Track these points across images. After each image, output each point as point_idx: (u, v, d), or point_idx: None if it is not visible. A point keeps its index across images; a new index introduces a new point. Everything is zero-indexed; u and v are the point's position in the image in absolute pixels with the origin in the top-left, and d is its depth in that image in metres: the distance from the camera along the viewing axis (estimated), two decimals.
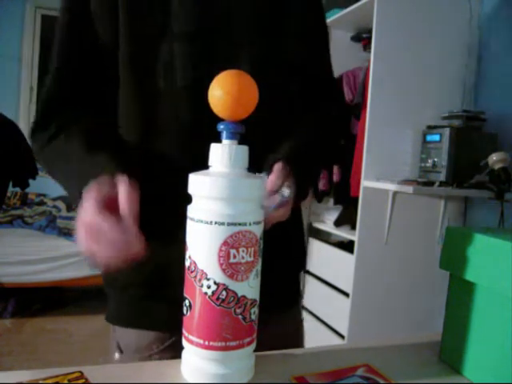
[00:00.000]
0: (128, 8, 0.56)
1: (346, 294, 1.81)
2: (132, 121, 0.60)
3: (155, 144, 0.60)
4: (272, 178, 0.49)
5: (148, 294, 0.61)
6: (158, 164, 0.59)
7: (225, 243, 0.41)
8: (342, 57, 2.15)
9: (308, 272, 2.19)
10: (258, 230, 0.43)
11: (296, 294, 0.74)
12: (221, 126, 0.44)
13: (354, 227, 1.82)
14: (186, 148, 0.59)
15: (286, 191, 0.50)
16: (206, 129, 0.46)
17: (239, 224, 0.41)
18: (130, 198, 0.45)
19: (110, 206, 0.45)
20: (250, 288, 0.43)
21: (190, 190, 0.43)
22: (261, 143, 0.51)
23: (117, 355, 0.63)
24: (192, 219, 0.43)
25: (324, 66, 0.72)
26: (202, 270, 0.41)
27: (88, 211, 0.44)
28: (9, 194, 2.96)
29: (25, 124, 3.26)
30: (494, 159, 1.48)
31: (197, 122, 0.57)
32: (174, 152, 0.59)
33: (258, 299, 0.44)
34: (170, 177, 0.53)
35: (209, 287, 0.41)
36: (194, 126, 0.58)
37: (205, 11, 0.58)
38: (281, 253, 0.60)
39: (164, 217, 0.53)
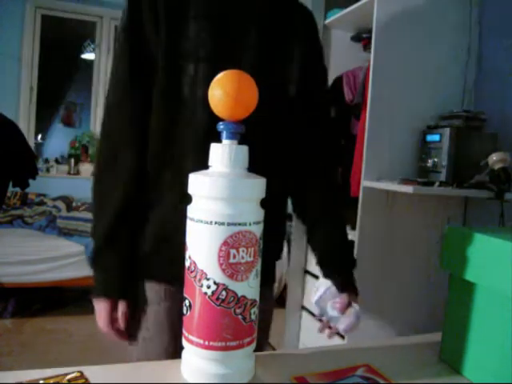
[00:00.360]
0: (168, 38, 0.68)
1: None
2: (159, 130, 0.71)
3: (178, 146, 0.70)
4: (344, 301, 0.68)
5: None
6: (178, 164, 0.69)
7: (225, 243, 0.41)
8: (342, 57, 2.15)
9: (308, 272, 2.19)
10: (257, 230, 0.43)
11: (273, 277, 0.88)
12: (221, 126, 0.44)
13: (354, 227, 1.82)
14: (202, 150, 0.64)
15: (357, 307, 0.59)
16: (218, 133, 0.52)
17: (239, 224, 0.41)
18: (124, 316, 0.72)
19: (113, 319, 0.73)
20: (249, 288, 0.43)
21: (190, 189, 0.43)
22: (261, 143, 0.56)
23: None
24: (192, 219, 0.43)
25: (323, 102, 0.86)
26: (202, 270, 0.41)
27: (100, 323, 0.73)
28: (9, 194, 2.96)
29: (25, 124, 3.26)
30: (494, 159, 1.48)
31: (211, 127, 0.60)
32: (191, 153, 0.68)
33: (258, 299, 0.44)
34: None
35: (209, 287, 0.41)
36: (208, 130, 0.63)
37: (222, 40, 0.70)
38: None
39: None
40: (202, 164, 0.47)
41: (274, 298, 0.99)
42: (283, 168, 0.78)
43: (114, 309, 0.72)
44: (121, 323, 0.73)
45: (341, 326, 0.69)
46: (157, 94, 0.70)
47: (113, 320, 0.73)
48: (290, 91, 0.75)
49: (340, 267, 0.79)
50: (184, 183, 0.47)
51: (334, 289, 0.76)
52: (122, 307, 0.72)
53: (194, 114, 0.68)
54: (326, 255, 0.81)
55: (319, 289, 0.80)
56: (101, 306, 0.72)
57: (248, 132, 0.46)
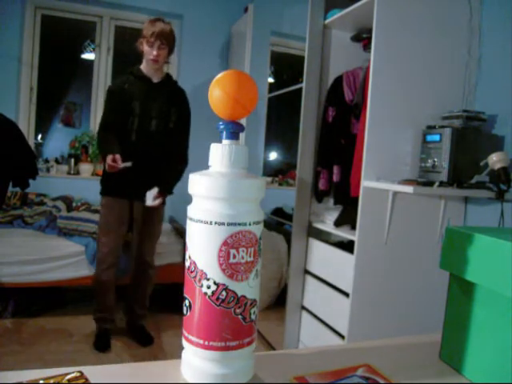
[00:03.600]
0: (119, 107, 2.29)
1: (346, 294, 1.81)
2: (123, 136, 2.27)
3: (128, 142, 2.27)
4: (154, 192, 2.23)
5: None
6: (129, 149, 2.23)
7: (225, 243, 0.41)
8: (342, 57, 2.15)
9: (308, 272, 2.19)
10: (257, 230, 0.43)
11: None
12: (221, 126, 0.44)
13: (354, 227, 1.82)
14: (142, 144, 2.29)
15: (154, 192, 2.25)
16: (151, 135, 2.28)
17: (239, 224, 0.41)
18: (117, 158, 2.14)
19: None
20: (249, 288, 0.43)
21: (190, 189, 0.43)
22: (155, 155, 2.30)
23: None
24: (192, 219, 0.43)
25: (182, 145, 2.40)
26: (202, 270, 0.41)
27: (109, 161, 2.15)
28: (9, 194, 2.96)
29: (25, 124, 3.26)
30: (494, 159, 1.48)
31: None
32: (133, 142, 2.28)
33: (258, 299, 0.44)
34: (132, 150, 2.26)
35: (209, 287, 0.41)
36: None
37: (147, 106, 2.26)
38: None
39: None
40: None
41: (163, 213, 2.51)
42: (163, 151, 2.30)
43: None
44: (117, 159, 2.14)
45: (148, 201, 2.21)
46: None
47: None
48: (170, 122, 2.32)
49: (164, 185, 2.27)
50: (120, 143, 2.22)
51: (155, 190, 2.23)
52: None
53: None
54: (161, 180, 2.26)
55: (152, 190, 2.24)
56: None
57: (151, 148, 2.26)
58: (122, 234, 2.36)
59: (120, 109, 2.24)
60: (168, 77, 2.36)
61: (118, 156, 2.10)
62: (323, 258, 2.07)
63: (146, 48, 2.21)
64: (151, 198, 2.23)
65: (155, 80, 2.29)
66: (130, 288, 2.49)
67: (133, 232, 2.42)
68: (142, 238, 2.41)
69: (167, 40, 2.20)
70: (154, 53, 2.17)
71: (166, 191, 2.29)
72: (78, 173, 3.40)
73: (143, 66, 2.29)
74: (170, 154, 2.30)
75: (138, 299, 2.48)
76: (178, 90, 2.39)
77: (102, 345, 2.32)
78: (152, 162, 2.27)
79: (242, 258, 0.41)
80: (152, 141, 2.26)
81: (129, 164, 2.13)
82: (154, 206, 2.24)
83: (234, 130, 0.44)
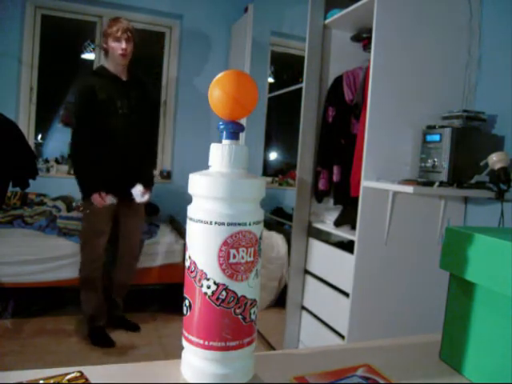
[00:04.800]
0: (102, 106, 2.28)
1: (346, 294, 1.81)
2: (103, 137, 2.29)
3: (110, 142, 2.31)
4: (140, 188, 2.33)
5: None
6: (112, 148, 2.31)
7: (225, 243, 0.41)
8: (342, 57, 2.15)
9: (308, 272, 2.19)
10: (257, 230, 0.43)
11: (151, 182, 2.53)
12: (221, 126, 0.44)
13: (354, 227, 1.82)
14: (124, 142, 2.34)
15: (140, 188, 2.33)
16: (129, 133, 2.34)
17: (239, 224, 0.41)
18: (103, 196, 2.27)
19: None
20: (249, 288, 0.43)
21: (190, 189, 0.43)
22: (137, 152, 2.38)
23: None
24: (192, 219, 0.43)
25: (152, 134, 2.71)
26: (202, 271, 0.41)
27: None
28: (9, 194, 2.96)
29: (25, 124, 3.26)
30: (494, 159, 1.48)
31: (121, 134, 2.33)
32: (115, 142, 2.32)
33: (258, 299, 0.44)
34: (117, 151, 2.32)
35: (209, 287, 0.41)
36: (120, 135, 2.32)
37: (123, 104, 2.30)
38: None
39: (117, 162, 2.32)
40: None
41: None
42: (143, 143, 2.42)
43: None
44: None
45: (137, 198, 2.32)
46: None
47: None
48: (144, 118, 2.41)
49: (148, 180, 2.43)
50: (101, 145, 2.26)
51: (141, 187, 2.32)
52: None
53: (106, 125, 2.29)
54: (143, 175, 2.40)
55: (136, 187, 2.32)
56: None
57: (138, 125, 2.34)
58: (109, 232, 2.40)
59: (97, 109, 2.24)
60: (133, 73, 2.40)
61: (103, 194, 2.22)
62: (323, 257, 2.07)
63: (112, 44, 2.26)
64: (139, 194, 2.31)
65: (124, 78, 2.34)
66: (113, 280, 2.52)
67: (119, 228, 2.45)
68: (131, 233, 2.48)
69: (132, 35, 2.29)
70: (123, 46, 2.24)
71: (150, 185, 2.42)
72: None
73: (109, 65, 2.32)
74: (147, 149, 2.45)
75: (120, 291, 2.55)
76: (145, 84, 2.46)
77: (106, 341, 2.33)
78: (134, 159, 2.36)
79: (242, 258, 0.41)
80: (132, 138, 2.33)
81: (114, 201, 2.27)
82: (145, 201, 2.36)
83: (234, 130, 0.44)
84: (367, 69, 1.84)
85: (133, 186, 2.33)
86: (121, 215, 2.42)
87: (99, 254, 2.38)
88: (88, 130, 2.24)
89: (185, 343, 0.44)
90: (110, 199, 2.27)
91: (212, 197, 0.41)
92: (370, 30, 1.77)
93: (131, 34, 2.28)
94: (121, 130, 2.29)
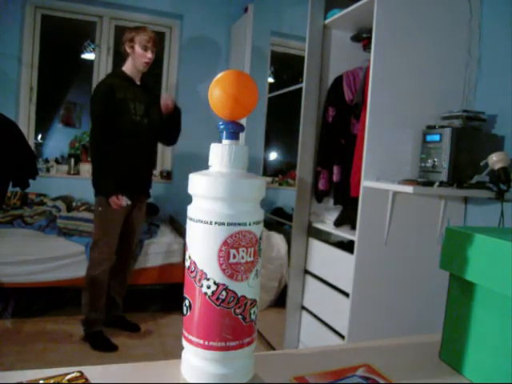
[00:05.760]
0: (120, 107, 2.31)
1: (346, 294, 1.81)
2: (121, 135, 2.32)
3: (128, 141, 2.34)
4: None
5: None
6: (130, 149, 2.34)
7: (225, 243, 0.41)
8: (342, 57, 2.15)
9: (308, 272, 2.19)
10: (257, 230, 0.43)
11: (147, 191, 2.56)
12: (221, 126, 0.44)
13: (354, 227, 1.82)
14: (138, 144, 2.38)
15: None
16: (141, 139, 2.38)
17: (239, 224, 0.41)
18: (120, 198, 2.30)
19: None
20: (249, 288, 0.43)
21: (190, 189, 0.43)
22: (150, 153, 2.54)
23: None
24: (192, 219, 0.43)
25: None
26: (202, 271, 0.41)
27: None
28: (9, 194, 2.96)
29: (25, 124, 3.26)
30: (494, 159, 1.48)
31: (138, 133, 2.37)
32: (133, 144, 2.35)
33: (258, 299, 0.44)
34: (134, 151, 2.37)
35: (209, 287, 0.41)
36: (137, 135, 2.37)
37: (139, 106, 2.37)
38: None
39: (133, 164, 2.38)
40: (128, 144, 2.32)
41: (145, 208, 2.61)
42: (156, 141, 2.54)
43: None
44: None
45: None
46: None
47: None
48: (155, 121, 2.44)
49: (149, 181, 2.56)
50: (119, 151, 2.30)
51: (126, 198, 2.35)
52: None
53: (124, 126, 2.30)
54: (149, 177, 2.55)
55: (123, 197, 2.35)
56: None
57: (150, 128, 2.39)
58: (119, 232, 2.39)
59: (116, 110, 2.28)
60: (145, 78, 2.48)
61: (120, 196, 2.29)
62: (323, 257, 2.07)
63: (139, 51, 2.34)
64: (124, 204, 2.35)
65: (138, 82, 2.41)
66: (110, 279, 2.49)
67: (123, 228, 2.44)
68: (134, 233, 2.51)
69: (157, 47, 2.43)
70: (149, 56, 2.36)
71: (150, 187, 2.58)
72: (78, 173, 3.40)
73: (126, 68, 2.38)
74: (154, 152, 2.60)
75: (119, 290, 2.54)
76: (154, 89, 2.56)
77: (107, 345, 2.32)
78: (144, 161, 2.45)
79: (242, 258, 0.41)
80: (144, 141, 2.40)
81: (129, 202, 2.35)
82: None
83: (234, 130, 0.44)
84: (367, 69, 1.84)
85: (142, 187, 2.47)
86: (128, 216, 2.43)
87: (111, 254, 2.37)
88: (107, 129, 2.27)
89: (185, 343, 0.44)
90: (125, 201, 2.32)
91: (212, 197, 0.41)
92: (370, 30, 1.77)
93: (156, 46, 2.41)
94: (135, 132, 2.35)
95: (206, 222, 0.41)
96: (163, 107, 2.41)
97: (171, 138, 2.63)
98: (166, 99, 2.42)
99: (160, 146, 3.62)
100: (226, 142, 0.44)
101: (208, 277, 0.41)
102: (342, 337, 1.83)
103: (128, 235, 2.48)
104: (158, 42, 2.43)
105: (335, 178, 2.05)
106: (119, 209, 2.31)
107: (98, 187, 2.32)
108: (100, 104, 2.28)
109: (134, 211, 2.45)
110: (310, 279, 2.17)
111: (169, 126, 2.51)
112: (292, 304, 2.22)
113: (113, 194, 2.27)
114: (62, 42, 3.59)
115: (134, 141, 2.34)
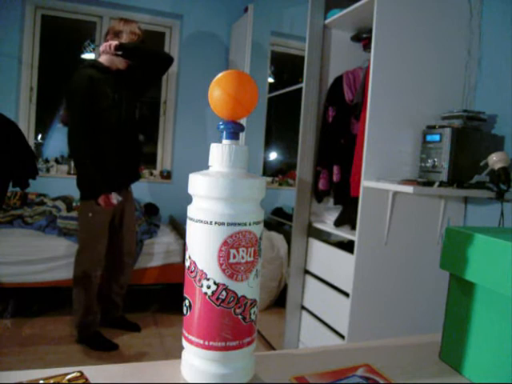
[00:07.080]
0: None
1: (346, 294, 1.81)
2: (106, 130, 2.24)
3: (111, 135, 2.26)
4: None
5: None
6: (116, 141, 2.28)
7: (225, 243, 0.41)
8: (342, 57, 2.15)
9: (308, 272, 2.19)
10: (257, 230, 0.43)
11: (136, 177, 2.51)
12: (221, 126, 0.44)
13: (354, 227, 1.82)
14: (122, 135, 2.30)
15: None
16: (124, 131, 2.29)
17: (239, 224, 0.41)
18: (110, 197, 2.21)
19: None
20: (249, 288, 0.43)
21: (190, 189, 0.43)
22: (135, 142, 2.43)
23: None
24: (192, 219, 0.43)
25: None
26: (202, 270, 0.41)
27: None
28: (9, 194, 2.96)
29: (25, 124, 3.26)
30: (494, 159, 1.48)
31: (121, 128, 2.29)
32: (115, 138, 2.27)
33: (258, 299, 0.44)
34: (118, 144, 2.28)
35: (209, 287, 0.41)
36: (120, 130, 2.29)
37: (124, 96, 2.28)
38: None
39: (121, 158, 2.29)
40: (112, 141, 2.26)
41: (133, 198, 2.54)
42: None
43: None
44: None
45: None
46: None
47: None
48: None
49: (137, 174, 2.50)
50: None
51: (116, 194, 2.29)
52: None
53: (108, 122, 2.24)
54: (136, 170, 2.49)
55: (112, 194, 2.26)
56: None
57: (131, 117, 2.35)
58: (108, 233, 2.34)
59: (98, 101, 2.18)
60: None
61: (110, 195, 2.17)
62: (323, 258, 2.07)
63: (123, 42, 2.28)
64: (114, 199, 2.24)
65: (113, 70, 2.31)
66: (109, 280, 2.48)
67: (116, 226, 2.39)
68: (127, 225, 2.43)
69: (139, 38, 2.37)
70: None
71: (137, 179, 2.51)
72: None
73: (103, 59, 2.29)
74: (137, 142, 2.47)
75: (119, 291, 2.51)
76: (128, 75, 2.39)
77: (107, 345, 2.32)
78: (136, 149, 2.40)
79: (242, 257, 0.41)
80: (130, 129, 2.33)
81: (120, 198, 2.24)
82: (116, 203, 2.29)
83: (234, 130, 0.44)
84: (367, 69, 1.84)
85: (131, 178, 2.40)
86: (117, 213, 2.35)
87: (100, 261, 2.31)
88: (87, 125, 2.13)
89: (185, 343, 0.44)
90: (116, 198, 2.20)
91: (212, 197, 0.41)
92: (370, 30, 1.77)
93: (138, 37, 2.34)
94: (117, 124, 2.24)
95: (206, 222, 0.41)
96: (102, 48, 2.24)
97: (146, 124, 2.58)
98: (103, 45, 2.26)
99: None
100: (226, 142, 0.44)
101: (208, 277, 0.41)
102: (342, 337, 1.83)
103: (120, 230, 2.39)
104: (141, 35, 2.35)
105: (335, 177, 2.05)
106: (110, 208, 2.21)
107: (84, 189, 2.19)
108: (80, 97, 2.15)
109: (123, 207, 2.36)
110: (309, 279, 2.17)
111: (138, 75, 2.35)
112: (292, 304, 2.22)
113: (102, 193, 2.14)
114: (62, 42, 3.58)
115: (118, 133, 2.24)
